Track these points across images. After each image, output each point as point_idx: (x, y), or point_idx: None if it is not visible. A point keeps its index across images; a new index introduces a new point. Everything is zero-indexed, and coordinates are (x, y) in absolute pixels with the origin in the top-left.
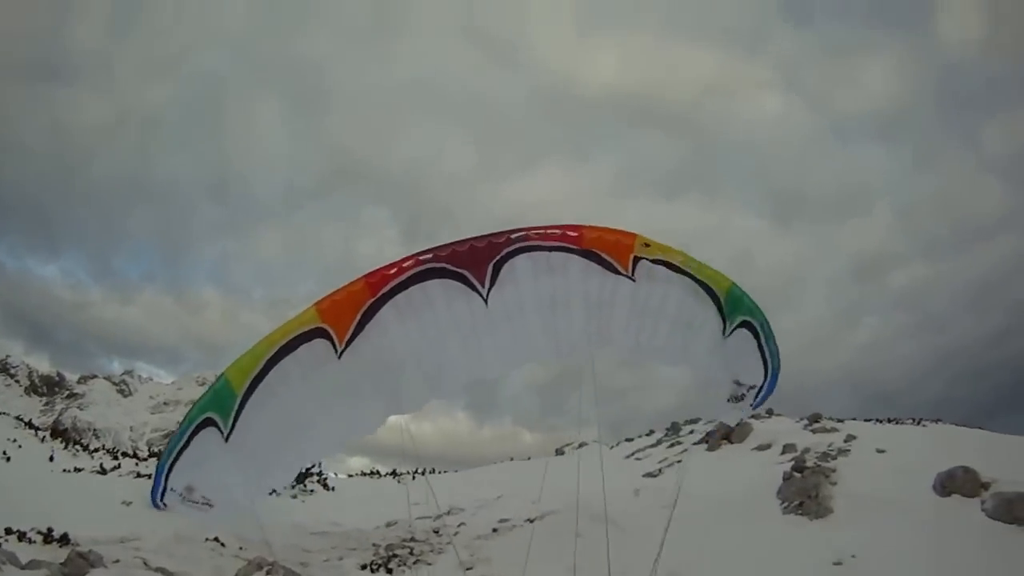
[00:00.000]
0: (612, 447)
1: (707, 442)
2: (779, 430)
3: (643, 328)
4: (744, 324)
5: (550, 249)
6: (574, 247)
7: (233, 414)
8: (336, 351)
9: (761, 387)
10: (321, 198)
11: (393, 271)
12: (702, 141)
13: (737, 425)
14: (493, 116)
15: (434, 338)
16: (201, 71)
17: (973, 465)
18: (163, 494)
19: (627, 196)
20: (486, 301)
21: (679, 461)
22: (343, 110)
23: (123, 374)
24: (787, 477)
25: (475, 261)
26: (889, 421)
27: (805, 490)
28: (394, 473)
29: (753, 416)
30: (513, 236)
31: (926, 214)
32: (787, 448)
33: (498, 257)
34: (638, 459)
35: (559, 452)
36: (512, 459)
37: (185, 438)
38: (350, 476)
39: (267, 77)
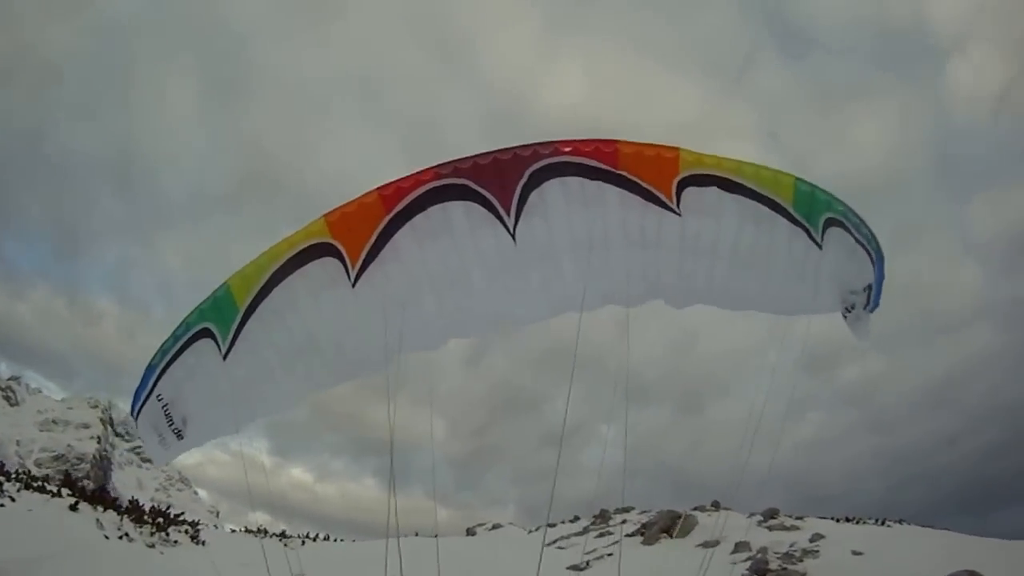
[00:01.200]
0: (531, 531)
1: (643, 534)
2: (728, 525)
3: (696, 272)
4: (829, 222)
5: (583, 172)
6: (609, 168)
7: (233, 329)
8: (349, 276)
9: (871, 284)
10: (232, 210)
11: (408, 184)
12: None
13: (678, 519)
14: (435, 132)
15: (456, 270)
16: (109, 20)
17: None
18: (144, 401)
19: None
20: (514, 237)
21: (610, 554)
22: (264, 98)
23: (10, 379)
24: None
25: (500, 182)
26: (848, 520)
27: None
28: (283, 535)
29: (696, 508)
30: (542, 151)
31: (893, 302)
32: (740, 546)
33: (525, 179)
34: (561, 547)
35: (470, 532)
36: (417, 534)
37: (179, 344)
38: (232, 531)
39: (183, 41)
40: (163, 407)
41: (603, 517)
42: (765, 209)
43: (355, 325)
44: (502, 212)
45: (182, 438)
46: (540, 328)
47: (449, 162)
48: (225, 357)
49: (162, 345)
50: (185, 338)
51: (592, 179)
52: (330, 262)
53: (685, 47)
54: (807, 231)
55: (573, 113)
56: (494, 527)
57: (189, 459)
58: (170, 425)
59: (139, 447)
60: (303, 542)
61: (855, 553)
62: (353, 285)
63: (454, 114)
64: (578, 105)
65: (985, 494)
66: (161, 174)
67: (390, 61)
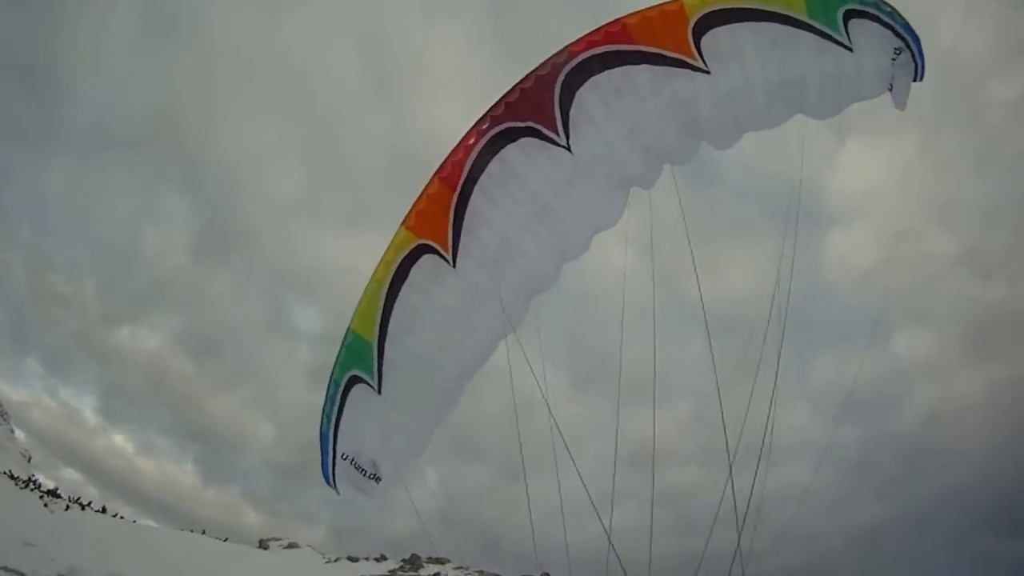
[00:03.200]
0: (328, 561)
1: None
2: None
3: (738, 114)
4: (848, 14)
5: (605, 63)
6: (625, 47)
7: (376, 364)
8: (448, 261)
9: (906, 45)
10: (126, 153)
11: (460, 155)
12: None
13: None
14: (337, 147)
15: (537, 206)
16: None
17: None
18: (334, 467)
19: None
20: (569, 150)
21: None
22: (193, 53)
23: None
24: None
25: (537, 108)
26: None
27: None
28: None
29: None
30: (558, 61)
31: (722, 424)
32: None
33: (558, 96)
34: None
35: (263, 545)
36: (204, 532)
37: (337, 403)
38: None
39: None
40: (351, 463)
41: (413, 563)
42: (783, 29)
43: (475, 300)
44: (550, 134)
45: (380, 480)
46: None
47: (485, 114)
48: (379, 391)
49: (323, 410)
50: (339, 394)
51: (616, 67)
52: (428, 259)
53: None
54: (831, 38)
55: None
56: (290, 545)
57: (16, 395)
58: (364, 475)
59: None
60: (67, 507)
61: None
62: (454, 265)
63: (366, 142)
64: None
65: None
66: (73, 93)
67: (323, 59)
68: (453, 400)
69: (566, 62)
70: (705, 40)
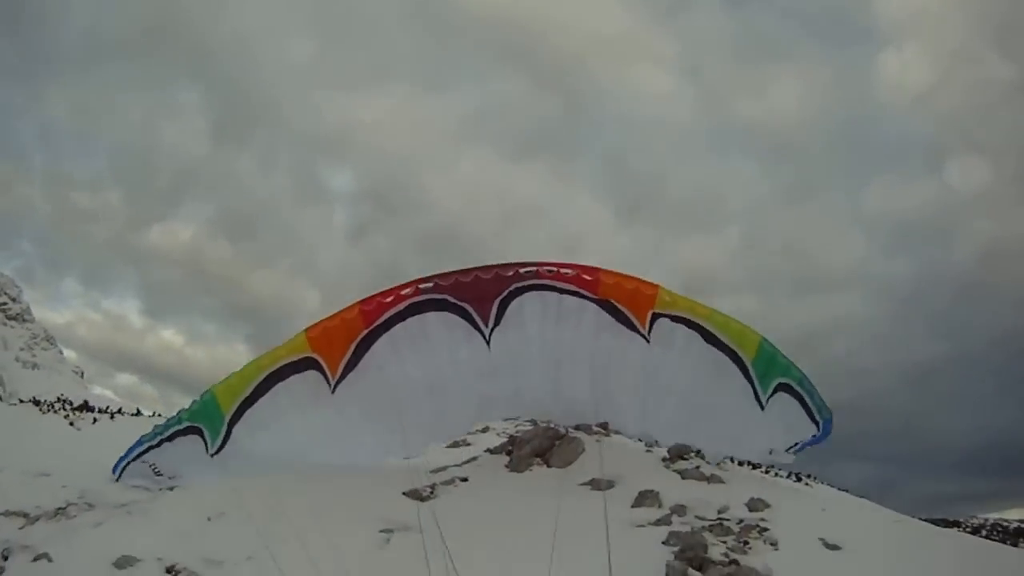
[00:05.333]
0: None
1: (509, 453)
2: (623, 458)
3: (648, 400)
4: (781, 387)
5: (562, 291)
6: (589, 294)
7: (222, 434)
8: (329, 384)
9: (811, 438)
10: (127, 58)
11: (390, 299)
12: (572, 103)
13: (558, 440)
14: (346, 8)
15: (434, 378)
16: None
17: None
18: (127, 465)
19: (472, 143)
20: (488, 342)
21: (464, 479)
22: None
23: None
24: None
25: (479, 295)
26: (752, 466)
27: None
28: (82, 408)
29: (579, 426)
30: (523, 271)
31: (774, 250)
32: (646, 498)
33: (505, 293)
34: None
35: None
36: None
37: (167, 434)
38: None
39: None
40: (151, 467)
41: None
42: (725, 359)
43: (339, 431)
44: (479, 321)
45: (172, 484)
46: (425, 208)
47: (430, 277)
48: (212, 455)
49: (155, 427)
50: (177, 428)
51: (572, 296)
52: (312, 375)
53: None
54: (755, 392)
55: (490, 13)
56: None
57: (59, 318)
58: (158, 475)
59: (5, 303)
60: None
61: (828, 546)
62: (332, 391)
63: None
64: (497, 5)
65: (828, 448)
66: (55, 10)
67: None
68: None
69: (531, 275)
70: (660, 323)
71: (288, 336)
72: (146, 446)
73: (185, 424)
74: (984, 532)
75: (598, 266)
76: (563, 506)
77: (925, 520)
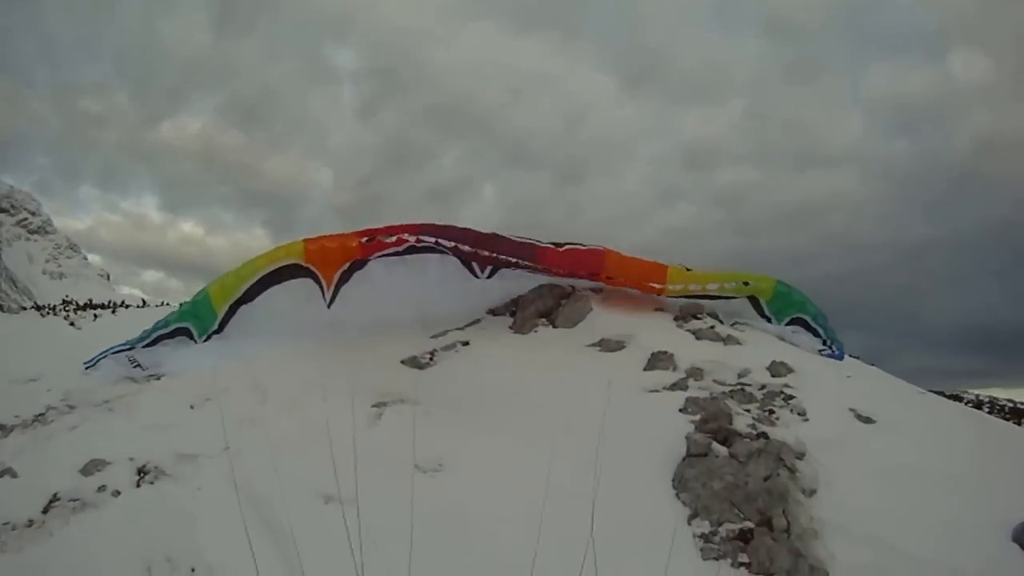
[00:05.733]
0: None
1: (513, 314)
2: (633, 316)
3: None
4: (795, 321)
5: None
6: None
7: (210, 331)
8: (324, 298)
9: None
10: None
11: (392, 239)
12: None
13: (564, 299)
14: None
15: (424, 293)
16: None
17: None
18: (108, 355)
19: (478, 15)
20: (478, 276)
21: (465, 343)
22: None
23: None
24: (697, 452)
25: (480, 261)
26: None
27: (752, 500)
28: (121, 305)
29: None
30: (525, 254)
31: (776, 125)
32: (659, 359)
33: (504, 265)
34: None
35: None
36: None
37: (151, 339)
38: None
39: None
40: (129, 359)
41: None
42: (743, 302)
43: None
44: (477, 270)
45: (155, 374)
46: (431, 83)
47: (430, 224)
48: (203, 342)
49: (135, 338)
50: (163, 331)
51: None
52: (306, 282)
53: None
54: (767, 319)
55: None
56: None
57: (80, 224)
58: (134, 366)
59: (25, 219)
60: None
61: (861, 418)
62: (328, 306)
63: None
64: None
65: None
66: None
67: None
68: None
69: (532, 257)
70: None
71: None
72: (132, 343)
73: (172, 327)
74: (986, 409)
75: (602, 247)
76: (571, 367)
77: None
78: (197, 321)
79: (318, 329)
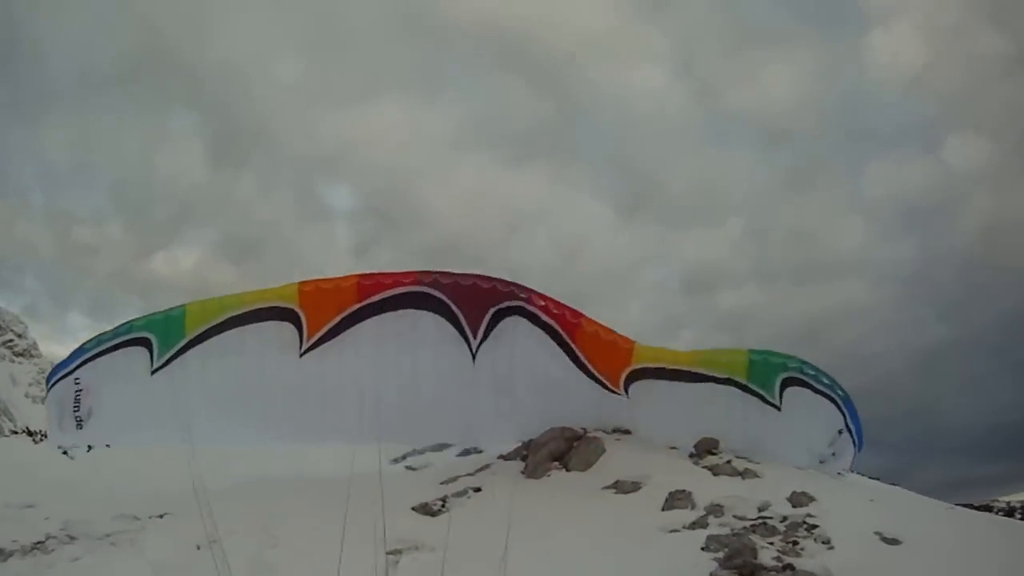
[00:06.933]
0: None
1: (524, 458)
2: (647, 456)
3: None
4: (787, 382)
5: (545, 327)
6: (567, 342)
7: (173, 351)
8: (300, 345)
9: (847, 426)
10: (122, 85)
11: (389, 281)
12: (567, 103)
13: (576, 441)
14: (333, 25)
15: (410, 378)
16: None
17: None
18: (62, 377)
19: (471, 150)
20: (474, 357)
21: (478, 490)
22: None
23: None
24: None
25: (474, 305)
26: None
27: None
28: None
29: (597, 429)
30: (518, 293)
31: (777, 240)
32: (677, 498)
33: (498, 308)
34: (410, 467)
35: None
36: None
37: (116, 341)
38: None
39: None
40: (76, 390)
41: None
42: (721, 388)
43: (293, 393)
44: (468, 332)
45: (80, 428)
46: (425, 222)
47: (432, 272)
48: (153, 372)
49: (100, 335)
50: (124, 338)
51: (551, 338)
52: (288, 328)
53: None
54: (765, 400)
55: (481, 18)
56: None
57: (66, 351)
58: (74, 411)
59: (11, 341)
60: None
61: (887, 540)
62: (300, 355)
63: (363, 13)
64: (488, 10)
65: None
66: (46, 51)
67: None
68: (199, 443)
69: (523, 301)
70: (636, 387)
71: None
72: (85, 356)
73: (134, 334)
74: (1019, 516)
75: (581, 311)
76: (588, 512)
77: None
78: (163, 335)
79: (271, 393)
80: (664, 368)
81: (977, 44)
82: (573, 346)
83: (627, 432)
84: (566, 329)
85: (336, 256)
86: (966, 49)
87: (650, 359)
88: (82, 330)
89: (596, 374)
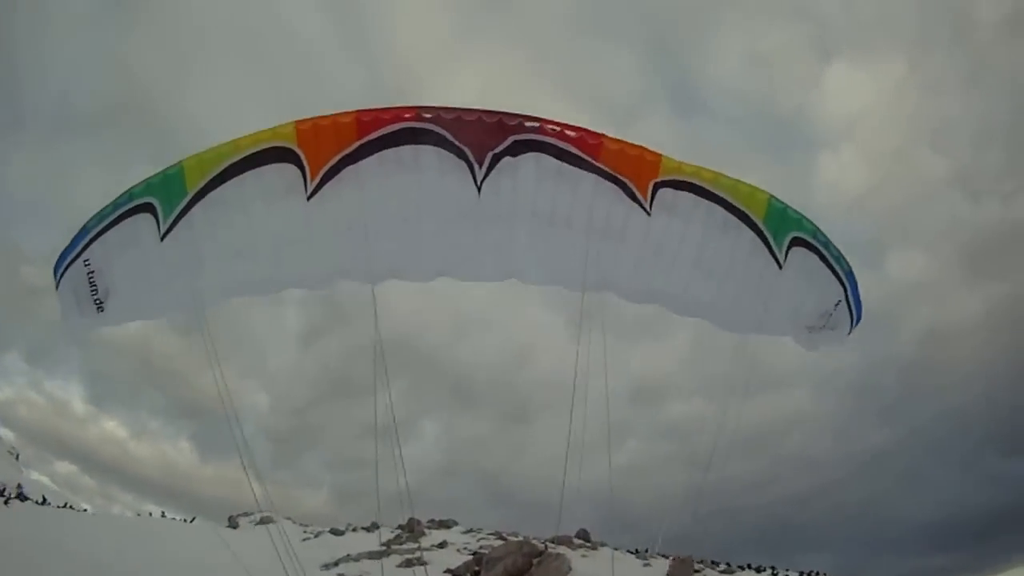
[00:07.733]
0: (308, 537)
1: (476, 573)
2: (614, 570)
3: (654, 271)
4: (795, 241)
5: (562, 155)
6: (590, 158)
7: (178, 210)
8: (306, 188)
9: (846, 299)
10: (88, 135)
11: (389, 116)
12: None
13: (537, 557)
14: (311, 90)
15: (415, 210)
16: None
17: None
18: (71, 263)
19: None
20: (479, 190)
21: None
22: (144, 22)
23: None
24: None
25: (480, 139)
26: (758, 570)
27: None
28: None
29: (554, 539)
30: (527, 124)
31: (724, 354)
32: None
33: (506, 145)
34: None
35: (232, 523)
36: (163, 515)
37: (119, 212)
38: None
39: None
40: (88, 273)
41: (412, 530)
42: (734, 219)
43: (304, 239)
44: (474, 164)
45: (102, 311)
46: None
47: (434, 107)
48: (163, 238)
49: (100, 210)
50: (126, 208)
51: (570, 163)
52: (290, 169)
53: (580, 82)
54: (769, 247)
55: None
56: (263, 520)
57: None
58: (92, 294)
59: None
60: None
61: None
62: (308, 199)
63: (340, 76)
64: (471, 102)
65: (783, 537)
66: (20, 80)
67: (282, 14)
68: (222, 300)
69: (534, 131)
70: (662, 193)
71: None
72: (90, 235)
73: (136, 201)
74: None
75: (602, 132)
76: None
77: None
78: (165, 197)
79: (281, 238)
80: (689, 182)
81: (917, 166)
82: (597, 163)
83: (586, 538)
84: (587, 151)
85: (284, 340)
86: (906, 171)
87: (676, 171)
88: (18, 374)
89: (623, 179)
